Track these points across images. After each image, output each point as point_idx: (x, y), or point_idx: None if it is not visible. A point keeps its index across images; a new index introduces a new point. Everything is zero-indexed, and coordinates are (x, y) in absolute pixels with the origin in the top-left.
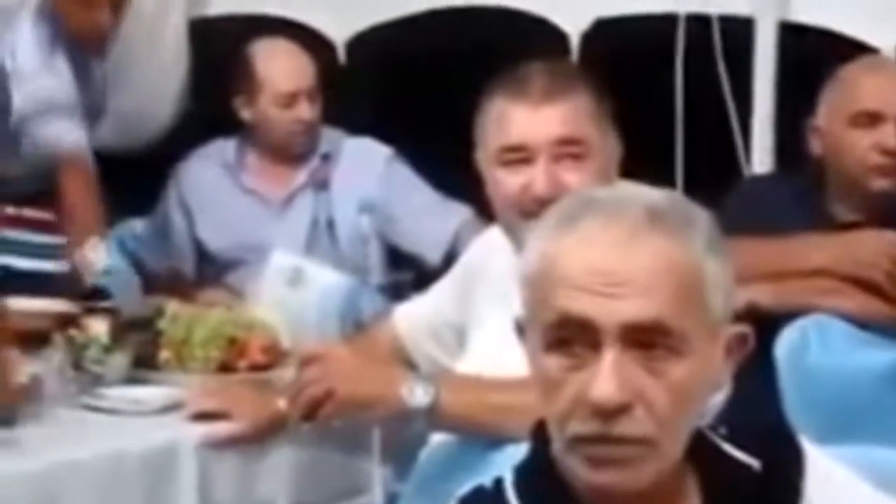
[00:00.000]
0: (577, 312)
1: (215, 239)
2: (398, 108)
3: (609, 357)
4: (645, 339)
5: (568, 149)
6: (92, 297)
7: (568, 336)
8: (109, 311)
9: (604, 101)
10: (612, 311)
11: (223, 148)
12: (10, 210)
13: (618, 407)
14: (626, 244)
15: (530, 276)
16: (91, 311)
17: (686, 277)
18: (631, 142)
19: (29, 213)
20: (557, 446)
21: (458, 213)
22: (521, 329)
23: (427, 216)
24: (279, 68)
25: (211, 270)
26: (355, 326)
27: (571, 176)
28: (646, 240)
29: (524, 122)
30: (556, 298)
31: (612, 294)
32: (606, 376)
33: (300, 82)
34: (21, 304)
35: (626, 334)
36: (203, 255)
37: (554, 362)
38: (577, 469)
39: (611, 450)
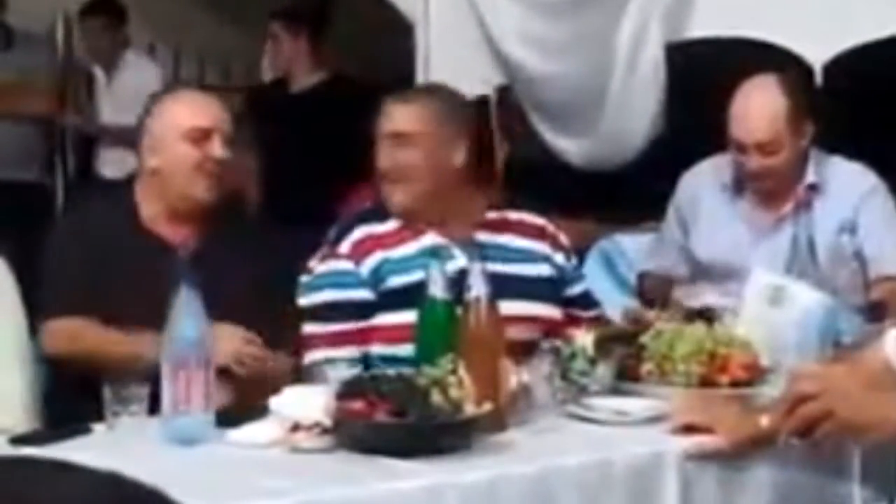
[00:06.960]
0: None
1: (705, 252)
2: (875, 129)
3: None
4: None
5: None
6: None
7: None
8: (595, 320)
9: None
10: None
11: (720, 166)
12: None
13: None
14: None
15: None
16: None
17: None
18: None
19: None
20: None
21: None
22: None
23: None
24: (749, 101)
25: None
26: (834, 346)
27: None
28: None
29: None
30: None
31: None
32: None
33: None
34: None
35: None
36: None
37: None
38: None
39: None
